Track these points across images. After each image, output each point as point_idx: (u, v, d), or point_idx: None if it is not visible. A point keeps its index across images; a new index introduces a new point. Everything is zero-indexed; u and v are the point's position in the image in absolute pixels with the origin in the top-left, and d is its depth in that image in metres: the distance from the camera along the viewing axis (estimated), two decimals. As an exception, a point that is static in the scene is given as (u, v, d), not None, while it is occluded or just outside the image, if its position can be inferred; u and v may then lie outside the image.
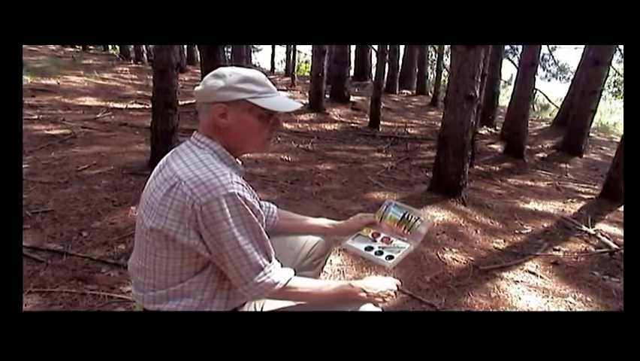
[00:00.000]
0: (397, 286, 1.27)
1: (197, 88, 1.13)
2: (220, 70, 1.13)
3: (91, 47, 16.54)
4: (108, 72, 10.10)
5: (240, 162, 1.16)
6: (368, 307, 1.18)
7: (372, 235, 1.47)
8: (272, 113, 1.13)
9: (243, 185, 1.04)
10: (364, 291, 1.19)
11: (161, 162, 1.15)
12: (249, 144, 1.17)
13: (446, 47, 12.74)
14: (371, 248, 1.42)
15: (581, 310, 2.34)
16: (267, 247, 1.09)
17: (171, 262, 1.06)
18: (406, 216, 1.49)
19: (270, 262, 1.09)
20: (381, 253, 1.39)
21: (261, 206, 1.43)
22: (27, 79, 7.45)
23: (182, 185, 1.01)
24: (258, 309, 1.25)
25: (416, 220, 1.47)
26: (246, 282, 1.06)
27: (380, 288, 1.21)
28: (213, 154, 1.09)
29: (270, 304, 1.24)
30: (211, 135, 1.11)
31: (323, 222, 1.59)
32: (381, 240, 1.45)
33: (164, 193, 1.02)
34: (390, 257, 1.36)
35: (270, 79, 1.16)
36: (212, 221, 1.00)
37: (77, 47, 16.10)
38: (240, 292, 1.09)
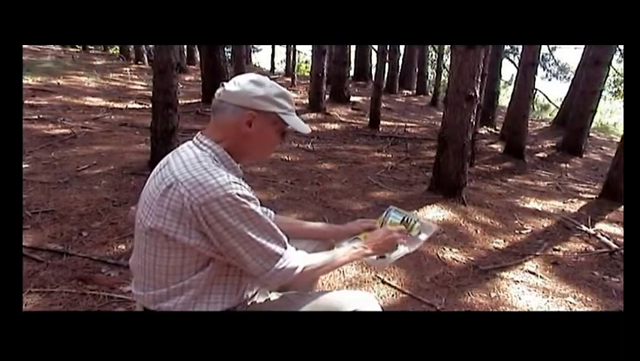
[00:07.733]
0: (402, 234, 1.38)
1: (228, 87, 1.12)
2: (260, 78, 1.15)
3: (91, 48, 16.56)
4: (108, 72, 10.09)
5: (239, 166, 1.16)
6: (369, 307, 1.18)
7: None
8: (285, 130, 1.19)
9: (241, 184, 1.04)
10: (372, 247, 1.30)
11: (162, 161, 1.15)
12: (257, 153, 1.21)
13: (446, 47, 12.74)
14: None
15: (581, 310, 2.34)
16: (279, 235, 1.10)
17: (172, 261, 1.06)
18: (405, 219, 1.49)
19: (286, 248, 1.11)
20: None
21: None
22: (28, 79, 7.45)
23: (179, 186, 1.01)
24: (262, 300, 1.25)
25: (415, 222, 1.48)
26: (266, 270, 1.06)
27: (379, 240, 1.33)
28: (215, 157, 1.09)
29: (276, 294, 1.26)
30: (219, 138, 1.11)
31: (321, 226, 1.59)
32: None
33: (161, 194, 1.03)
34: (384, 257, 1.37)
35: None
36: (215, 220, 1.00)
37: (78, 47, 16.12)
38: (262, 281, 1.10)
